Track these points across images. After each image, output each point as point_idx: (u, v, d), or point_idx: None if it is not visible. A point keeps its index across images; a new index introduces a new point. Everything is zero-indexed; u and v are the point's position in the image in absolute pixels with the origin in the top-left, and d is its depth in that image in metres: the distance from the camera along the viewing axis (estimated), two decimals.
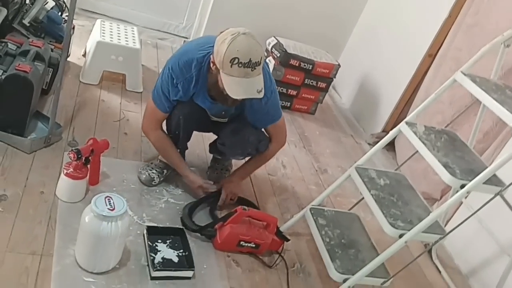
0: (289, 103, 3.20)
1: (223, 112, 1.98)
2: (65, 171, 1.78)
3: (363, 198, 1.82)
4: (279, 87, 3.08)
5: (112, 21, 2.92)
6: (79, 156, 1.77)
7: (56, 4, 2.51)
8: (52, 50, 2.23)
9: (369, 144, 3.15)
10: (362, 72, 3.45)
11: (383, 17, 3.39)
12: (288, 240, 1.94)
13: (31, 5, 2.37)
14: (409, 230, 1.56)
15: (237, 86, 1.67)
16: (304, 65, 3.08)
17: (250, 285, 1.76)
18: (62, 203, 1.78)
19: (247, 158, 2.16)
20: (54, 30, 2.37)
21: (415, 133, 1.71)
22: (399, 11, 3.23)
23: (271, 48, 3.16)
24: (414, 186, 1.87)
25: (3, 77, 1.84)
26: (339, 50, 3.74)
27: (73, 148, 1.78)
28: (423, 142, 1.66)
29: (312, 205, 1.96)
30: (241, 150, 2.06)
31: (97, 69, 2.59)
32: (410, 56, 3.00)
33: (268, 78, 1.83)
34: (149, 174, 2.04)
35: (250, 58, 1.62)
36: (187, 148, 2.13)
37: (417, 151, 1.70)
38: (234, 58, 1.62)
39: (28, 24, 2.27)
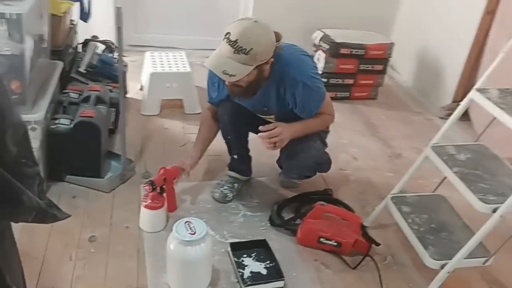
0: (347, 93, 3.12)
1: (265, 108, 1.92)
2: (144, 204, 1.84)
3: (446, 177, 1.71)
4: (333, 79, 3.02)
5: (160, 50, 3.00)
6: (154, 187, 1.83)
7: (106, 46, 2.63)
8: (111, 91, 2.33)
9: (441, 118, 2.99)
10: (419, 44, 3.30)
11: None
12: (377, 244, 1.84)
13: (84, 53, 2.49)
14: (502, 203, 1.45)
15: (213, 57, 1.67)
16: (356, 52, 2.99)
17: (344, 286, 1.72)
18: (147, 235, 1.84)
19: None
20: (109, 71, 2.48)
21: (488, 98, 1.59)
22: None
23: (319, 42, 3.10)
24: (499, 155, 1.73)
25: (71, 126, 1.94)
26: (390, 27, 3.59)
27: (147, 181, 1.84)
28: (500, 107, 1.53)
29: (392, 194, 1.88)
30: (297, 175, 2.09)
31: (155, 99, 2.67)
32: (467, 18, 2.82)
33: (301, 62, 1.81)
34: (221, 191, 2.06)
35: (237, 39, 1.60)
36: (248, 155, 2.12)
37: (495, 118, 1.58)
38: (227, 33, 1.63)
39: (84, 71, 2.39)
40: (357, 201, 2.17)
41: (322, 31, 3.13)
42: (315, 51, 3.14)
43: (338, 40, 2.98)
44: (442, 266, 1.57)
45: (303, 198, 2.09)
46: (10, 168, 0.93)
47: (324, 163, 2.02)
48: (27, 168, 1.04)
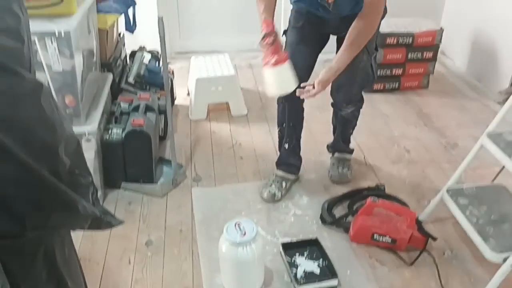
0: (397, 83, 3.02)
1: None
2: (271, 61, 1.69)
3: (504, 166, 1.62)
4: (381, 70, 2.93)
5: (205, 54, 3.05)
6: (273, 37, 1.70)
7: (152, 56, 2.70)
8: (158, 99, 2.39)
9: (499, 103, 2.83)
10: (471, 27, 3.14)
11: None
12: (434, 238, 1.77)
13: (131, 64, 2.58)
14: None
15: None
16: (403, 40, 2.89)
17: (401, 283, 1.66)
18: (201, 237, 1.88)
19: None
20: (156, 80, 2.55)
21: None
22: None
23: None
24: None
25: (123, 135, 2.02)
26: (439, 11, 3.45)
27: (263, 35, 1.70)
28: None
29: (448, 186, 1.80)
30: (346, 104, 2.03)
31: (202, 104, 2.71)
32: None
33: None
34: (270, 191, 2.06)
35: None
36: (299, 148, 2.12)
37: None
38: None
39: (133, 82, 2.47)
40: (412, 195, 2.10)
41: None
42: None
43: (383, 30, 2.89)
44: (505, 260, 1.48)
45: (354, 194, 2.05)
46: (65, 179, 0.97)
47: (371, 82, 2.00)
48: (81, 178, 1.09)
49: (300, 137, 2.10)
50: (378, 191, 2.06)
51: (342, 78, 1.82)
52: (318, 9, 1.74)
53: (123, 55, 2.66)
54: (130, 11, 2.50)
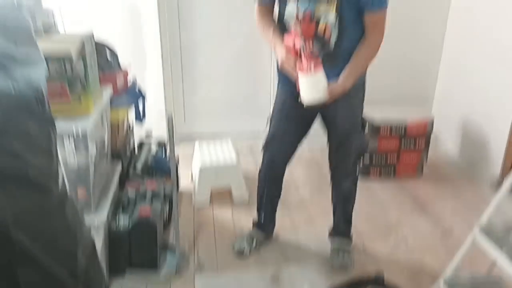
0: (392, 171, 3.14)
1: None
2: (309, 66, 1.73)
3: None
4: (376, 157, 3.07)
5: (209, 139, 3.19)
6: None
7: (159, 145, 2.85)
8: (164, 186, 2.49)
9: (492, 190, 2.93)
10: (461, 115, 3.32)
11: (466, 53, 3.30)
12: None
13: (139, 153, 2.71)
14: None
15: None
16: (396, 129, 3.05)
17: None
18: None
19: None
20: (162, 167, 2.66)
21: None
22: (481, 43, 3.10)
23: None
24: None
25: (130, 225, 2.10)
26: (429, 101, 3.66)
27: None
28: None
29: (445, 277, 1.85)
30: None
31: (205, 191, 2.81)
32: (507, 86, 2.84)
33: None
34: (240, 246, 2.33)
35: None
36: (274, 218, 2.39)
37: None
38: None
39: (140, 171, 2.58)
40: (411, 283, 2.13)
41: None
42: None
43: (377, 119, 3.07)
44: None
45: (354, 284, 2.09)
46: (81, 278, 1.06)
47: (364, 151, 2.24)
48: (95, 275, 1.17)
49: (276, 203, 2.36)
50: (378, 281, 2.10)
51: (335, 156, 2.12)
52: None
53: (131, 144, 2.80)
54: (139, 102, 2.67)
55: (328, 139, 2.17)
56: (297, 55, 1.76)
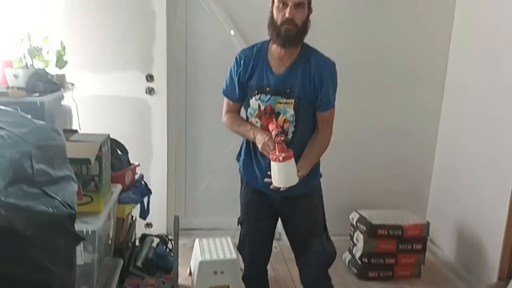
0: (390, 273, 3.15)
1: (288, 90, 1.99)
2: (281, 156, 1.89)
3: None
4: (374, 259, 3.10)
5: (208, 233, 3.22)
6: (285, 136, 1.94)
7: (160, 240, 2.88)
8: (163, 282, 2.49)
9: None
10: (457, 217, 3.39)
11: (459, 155, 3.44)
12: None
13: (141, 247, 2.74)
14: None
15: None
16: (393, 232, 3.11)
17: None
18: None
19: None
20: (163, 264, 2.68)
21: None
22: (474, 146, 3.22)
23: (356, 223, 3.26)
24: None
25: None
26: (424, 203, 3.75)
27: (278, 133, 1.91)
28: None
29: None
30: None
31: (203, 287, 2.80)
32: (499, 191, 2.93)
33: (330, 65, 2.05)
34: None
35: None
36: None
37: None
38: None
39: (141, 266, 2.59)
40: None
41: (358, 212, 3.31)
42: (353, 231, 3.29)
43: (374, 222, 3.14)
44: None
45: None
46: None
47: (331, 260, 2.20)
48: None
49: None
50: None
51: (299, 262, 2.19)
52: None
53: (133, 238, 2.83)
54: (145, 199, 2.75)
55: (291, 244, 2.24)
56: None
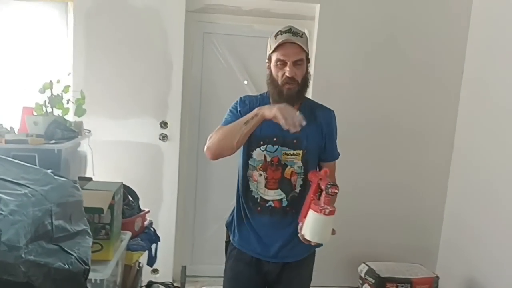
0: None
1: (295, 140, 1.91)
2: (327, 209, 1.74)
3: None
4: None
5: (214, 281, 3.20)
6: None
7: None
8: None
9: None
10: (465, 272, 3.34)
11: (468, 211, 3.43)
12: None
13: None
14: None
15: (282, 37, 1.85)
16: (402, 286, 3.07)
17: None
18: None
19: None
20: None
21: None
22: (483, 201, 3.22)
23: (364, 275, 3.23)
24: None
25: None
26: (433, 257, 3.71)
27: (333, 184, 1.75)
28: None
29: None
30: None
31: None
32: (509, 248, 2.90)
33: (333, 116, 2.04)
34: None
35: (290, 27, 1.87)
36: None
37: None
38: (278, 31, 1.88)
39: None
40: None
41: (367, 265, 3.29)
42: (362, 284, 3.25)
43: (383, 275, 3.11)
44: None
45: None
46: None
47: None
48: None
49: None
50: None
51: None
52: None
53: (139, 286, 2.82)
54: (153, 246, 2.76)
55: None
56: (315, 192, 1.83)
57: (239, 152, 1.99)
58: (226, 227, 2.15)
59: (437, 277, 3.17)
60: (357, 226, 3.57)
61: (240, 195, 2.04)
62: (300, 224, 1.84)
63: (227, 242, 2.15)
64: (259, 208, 1.97)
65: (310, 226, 1.78)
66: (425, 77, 3.54)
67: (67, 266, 1.00)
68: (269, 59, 1.92)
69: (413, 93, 3.55)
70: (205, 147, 1.90)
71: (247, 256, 2.02)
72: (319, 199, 1.81)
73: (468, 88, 3.50)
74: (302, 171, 1.95)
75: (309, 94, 3.41)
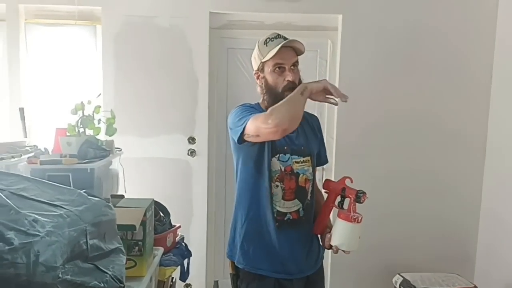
0: None
1: (303, 147, 1.91)
2: (356, 216, 1.78)
3: None
4: None
5: None
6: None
7: None
8: None
9: None
10: (506, 281, 3.23)
11: (505, 218, 3.33)
12: None
13: None
14: None
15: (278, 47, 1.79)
16: None
17: None
18: None
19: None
20: None
21: None
22: None
23: (399, 287, 3.16)
24: None
25: None
26: (471, 266, 3.60)
27: (362, 191, 1.79)
28: None
29: None
30: None
31: None
32: None
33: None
34: None
35: (277, 33, 1.86)
36: None
37: None
38: (265, 39, 1.85)
39: None
40: None
41: (401, 276, 3.22)
42: None
43: (419, 286, 3.04)
44: None
45: None
46: None
47: None
48: None
49: None
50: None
51: None
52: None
53: None
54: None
55: None
56: (333, 201, 1.89)
57: (240, 168, 1.93)
58: (229, 258, 1.99)
59: (475, 287, 3.07)
60: (390, 234, 3.51)
61: (249, 214, 1.90)
62: (328, 236, 1.84)
63: (235, 275, 1.98)
64: (277, 224, 1.86)
65: (345, 236, 1.79)
66: (453, 80, 3.48)
67: (102, 285, 1.02)
68: (261, 69, 1.88)
69: (441, 96, 3.48)
70: (270, 124, 1.64)
71: (270, 281, 1.86)
72: (341, 207, 1.82)
73: (498, 87, 3.42)
74: (312, 177, 1.94)
75: None
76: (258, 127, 1.68)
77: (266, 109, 1.76)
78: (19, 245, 0.90)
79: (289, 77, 1.81)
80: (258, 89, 1.94)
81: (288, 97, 1.70)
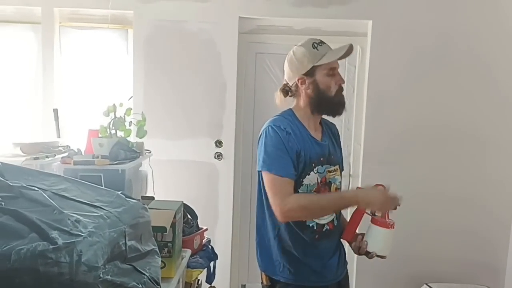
0: None
1: (332, 156, 1.91)
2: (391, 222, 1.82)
3: None
4: None
5: None
6: None
7: None
8: None
9: None
10: None
11: None
12: None
13: None
14: None
15: (336, 50, 1.80)
16: None
17: None
18: None
19: None
20: None
21: None
22: None
23: None
24: None
25: None
26: (501, 278, 3.52)
27: None
28: None
29: None
30: None
31: None
32: None
33: None
34: None
35: (316, 39, 1.84)
36: None
37: None
38: (312, 45, 1.81)
39: None
40: None
41: (429, 286, 3.17)
42: None
43: None
44: None
45: None
46: None
47: None
48: None
49: None
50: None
51: None
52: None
53: None
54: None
55: None
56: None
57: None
58: (263, 270, 1.93)
59: None
60: (418, 242, 3.46)
61: (285, 230, 1.83)
62: (363, 242, 1.83)
63: (270, 286, 1.92)
64: (317, 236, 1.85)
65: (381, 242, 1.82)
66: (485, 86, 3.41)
67: (140, 286, 1.04)
68: (310, 73, 1.81)
69: (473, 102, 3.42)
70: (288, 209, 1.69)
71: None
72: (374, 214, 1.84)
73: None
74: (341, 185, 1.95)
75: (363, 109, 3.45)
76: (273, 195, 1.73)
77: (312, 112, 1.84)
78: (62, 245, 0.92)
79: (341, 81, 1.83)
80: (296, 95, 1.90)
81: (326, 199, 1.79)
